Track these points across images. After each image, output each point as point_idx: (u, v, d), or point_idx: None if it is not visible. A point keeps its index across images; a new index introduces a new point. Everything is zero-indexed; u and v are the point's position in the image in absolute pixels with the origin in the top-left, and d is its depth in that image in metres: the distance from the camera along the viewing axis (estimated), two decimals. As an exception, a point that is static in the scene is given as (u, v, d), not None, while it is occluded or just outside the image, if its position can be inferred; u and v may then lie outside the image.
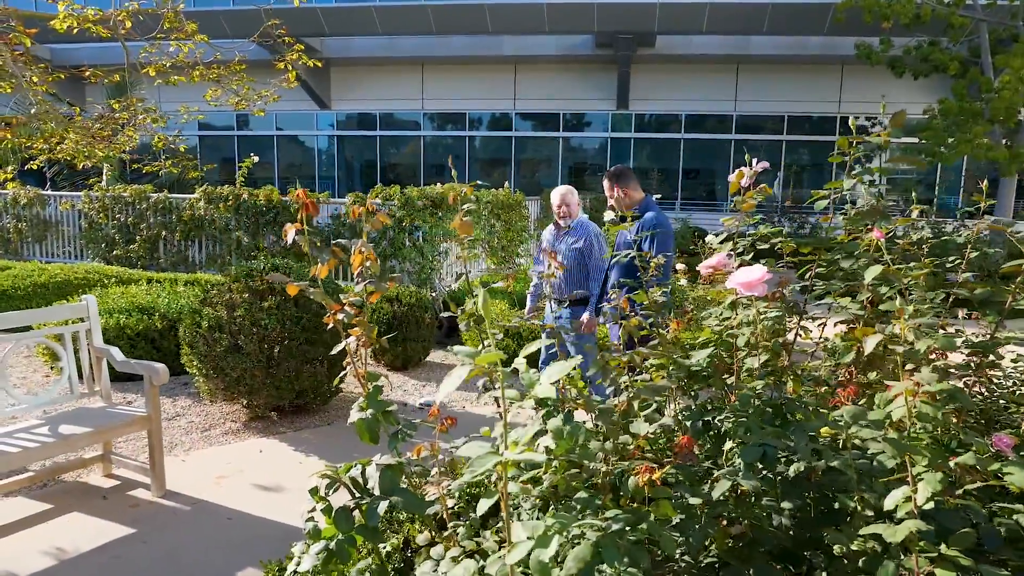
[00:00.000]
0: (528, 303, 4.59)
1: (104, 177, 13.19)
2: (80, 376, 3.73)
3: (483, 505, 0.96)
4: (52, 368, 5.73)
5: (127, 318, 5.60)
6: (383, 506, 1.51)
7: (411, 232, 7.69)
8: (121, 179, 14.97)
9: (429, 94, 22.50)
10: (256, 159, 9.01)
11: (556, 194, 4.50)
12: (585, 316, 4.18)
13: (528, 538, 0.88)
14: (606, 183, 4.07)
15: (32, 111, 3.81)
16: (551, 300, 4.45)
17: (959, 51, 14.07)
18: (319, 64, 4.71)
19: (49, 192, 10.05)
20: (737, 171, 1.82)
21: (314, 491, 1.54)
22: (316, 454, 4.19)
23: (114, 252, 9.33)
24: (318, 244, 8.07)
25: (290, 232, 1.41)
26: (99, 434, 3.31)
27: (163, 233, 9.05)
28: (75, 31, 3.76)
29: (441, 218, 7.73)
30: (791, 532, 1.59)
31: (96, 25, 3.89)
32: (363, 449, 4.27)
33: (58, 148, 4.31)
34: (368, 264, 1.45)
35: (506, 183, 9.95)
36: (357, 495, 1.59)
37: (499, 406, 1.66)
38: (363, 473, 1.59)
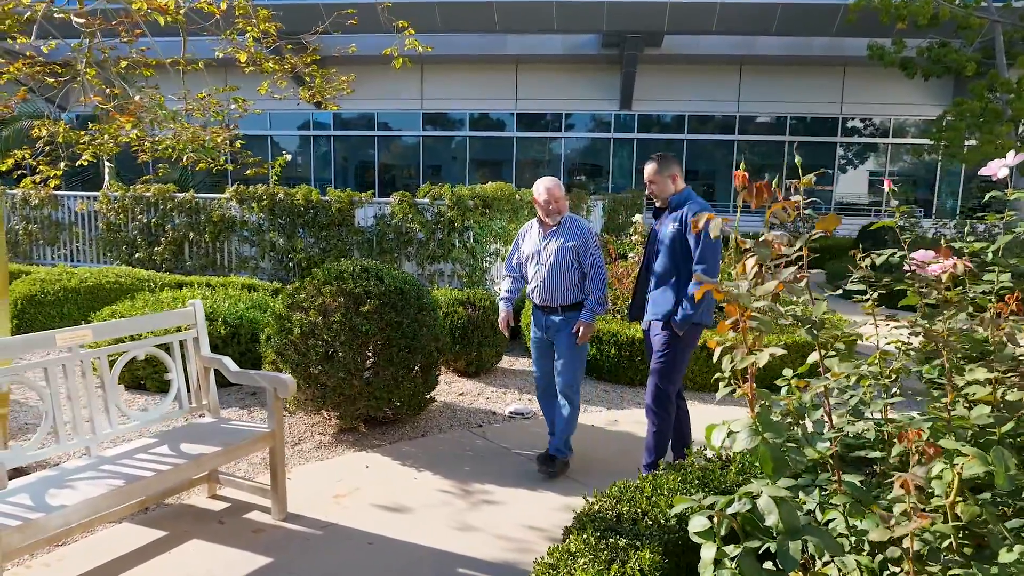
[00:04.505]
0: (502, 309, 4.01)
1: (106, 176, 12.65)
2: (188, 389, 3.42)
3: None
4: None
5: (188, 324, 5.25)
6: (795, 547, 1.30)
7: (462, 233, 7.43)
8: (119, 177, 14.38)
9: (428, 93, 22.18)
10: (289, 157, 8.67)
11: (541, 187, 3.77)
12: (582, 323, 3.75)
13: None
14: (651, 167, 3.56)
15: (136, 98, 3.51)
16: (538, 308, 3.93)
17: (973, 53, 14.21)
18: (430, 48, 4.43)
19: (63, 192, 9.55)
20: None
21: (707, 533, 1.31)
22: (428, 469, 3.92)
23: (136, 255, 8.89)
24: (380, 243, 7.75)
25: (710, 221, 1.19)
26: (228, 453, 3.01)
27: (190, 235, 8.66)
28: (182, 16, 3.46)
29: (491, 219, 7.48)
30: None
31: (209, 5, 3.59)
32: (475, 464, 4.01)
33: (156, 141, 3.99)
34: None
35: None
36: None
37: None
38: (754, 509, 1.36)
